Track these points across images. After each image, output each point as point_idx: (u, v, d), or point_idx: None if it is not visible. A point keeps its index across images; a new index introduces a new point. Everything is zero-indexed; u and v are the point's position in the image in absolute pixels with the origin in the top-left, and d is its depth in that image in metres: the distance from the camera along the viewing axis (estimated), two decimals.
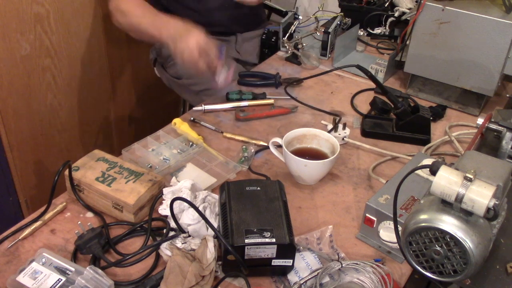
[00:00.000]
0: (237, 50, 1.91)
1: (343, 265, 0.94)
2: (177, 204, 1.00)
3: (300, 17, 1.82)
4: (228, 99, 1.48)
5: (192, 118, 1.39)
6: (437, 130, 1.43)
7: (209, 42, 1.30)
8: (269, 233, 0.90)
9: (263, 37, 1.82)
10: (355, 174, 1.24)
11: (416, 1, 1.86)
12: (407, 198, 1.02)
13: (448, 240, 0.79)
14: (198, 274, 0.89)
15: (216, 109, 1.44)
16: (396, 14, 1.89)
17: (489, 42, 1.38)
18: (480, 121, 1.19)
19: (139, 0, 1.52)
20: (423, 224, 0.80)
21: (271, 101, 1.47)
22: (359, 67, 1.32)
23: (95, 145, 2.15)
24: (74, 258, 0.96)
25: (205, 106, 1.42)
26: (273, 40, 1.80)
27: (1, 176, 1.79)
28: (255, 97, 1.49)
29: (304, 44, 1.76)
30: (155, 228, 1.03)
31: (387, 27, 1.92)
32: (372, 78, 1.33)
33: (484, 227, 0.80)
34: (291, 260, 0.93)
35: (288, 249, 0.91)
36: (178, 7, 1.71)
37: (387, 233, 1.00)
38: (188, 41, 1.27)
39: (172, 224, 0.99)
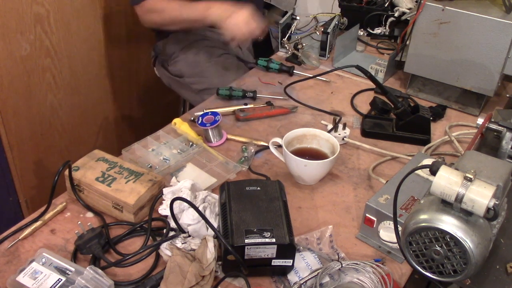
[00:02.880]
0: (240, 46, 1.91)
1: (343, 265, 0.94)
2: (177, 204, 1.00)
3: (298, 18, 1.82)
4: (218, 94, 1.50)
5: (192, 118, 1.39)
6: (437, 130, 1.43)
7: (256, 16, 1.55)
8: (269, 233, 0.90)
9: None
10: (355, 174, 1.24)
11: (416, 1, 1.86)
12: (407, 198, 1.02)
13: (448, 240, 0.79)
14: (198, 274, 0.89)
15: (245, 108, 1.43)
16: (396, 14, 1.89)
17: (489, 42, 1.38)
18: (480, 121, 1.19)
19: None
20: (423, 224, 0.80)
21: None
22: (358, 67, 1.32)
23: (95, 145, 2.16)
24: (74, 258, 0.96)
25: (206, 110, 1.40)
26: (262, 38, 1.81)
27: (1, 176, 1.79)
28: (245, 94, 1.49)
29: (303, 44, 1.76)
30: (155, 228, 1.03)
31: (387, 27, 1.92)
32: (372, 78, 1.33)
33: (484, 227, 0.80)
34: (291, 260, 0.93)
35: (288, 249, 0.91)
36: None
37: (387, 233, 1.00)
38: (239, 18, 1.52)
39: (172, 224, 0.99)
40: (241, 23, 1.52)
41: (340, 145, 1.19)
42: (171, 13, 1.65)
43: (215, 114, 1.31)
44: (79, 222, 1.00)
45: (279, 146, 1.21)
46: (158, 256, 0.97)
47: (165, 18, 1.68)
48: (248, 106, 1.43)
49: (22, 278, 0.88)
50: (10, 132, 1.76)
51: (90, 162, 1.10)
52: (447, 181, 0.78)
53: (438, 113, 1.49)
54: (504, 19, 1.34)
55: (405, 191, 1.03)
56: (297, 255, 0.96)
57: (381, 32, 1.93)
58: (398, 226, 0.88)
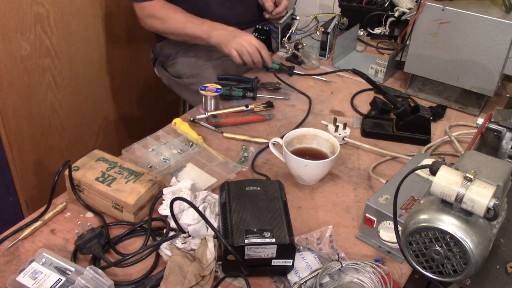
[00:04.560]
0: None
1: (343, 265, 0.94)
2: (177, 204, 1.00)
3: (298, 18, 1.82)
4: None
5: (192, 118, 1.39)
6: (437, 130, 1.43)
7: (260, 43, 1.57)
8: (269, 233, 0.90)
9: (255, 35, 1.82)
10: (355, 174, 1.24)
11: (416, 1, 1.86)
12: (407, 198, 1.02)
13: (448, 240, 0.79)
14: (198, 274, 0.89)
15: (219, 113, 1.42)
16: (396, 14, 1.90)
17: (489, 42, 1.38)
18: (480, 121, 1.19)
19: (173, 6, 1.66)
20: (423, 224, 0.80)
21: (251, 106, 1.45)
22: (354, 70, 1.32)
23: (95, 145, 2.16)
24: (74, 258, 0.96)
25: (208, 113, 1.40)
26: (263, 37, 1.80)
27: (1, 176, 1.79)
28: (245, 94, 1.49)
29: (304, 44, 1.76)
30: (155, 228, 1.03)
31: (387, 27, 1.92)
32: (369, 80, 1.33)
33: (484, 227, 0.80)
34: (291, 260, 0.93)
35: (288, 249, 0.91)
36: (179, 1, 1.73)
37: (387, 233, 1.00)
38: (243, 39, 1.55)
39: (172, 224, 0.99)
40: (244, 42, 1.53)
41: (340, 145, 1.19)
42: (175, 25, 1.65)
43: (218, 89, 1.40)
44: (79, 222, 1.00)
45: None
46: (158, 256, 0.97)
47: (167, 28, 1.67)
48: (249, 107, 1.43)
49: (22, 278, 0.88)
50: (10, 132, 1.76)
51: (90, 162, 1.10)
52: (447, 181, 0.78)
53: (438, 113, 1.49)
54: (504, 19, 1.34)
55: (405, 191, 1.03)
56: (297, 255, 0.96)
57: (381, 32, 1.93)
58: (398, 226, 0.88)
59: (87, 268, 0.87)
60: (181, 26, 1.64)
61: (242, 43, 1.54)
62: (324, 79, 1.64)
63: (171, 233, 0.98)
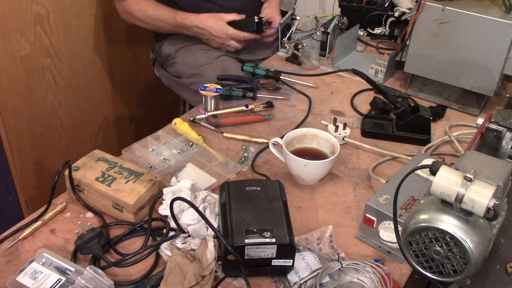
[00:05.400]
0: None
1: (343, 265, 0.94)
2: (177, 204, 1.00)
3: (298, 18, 1.82)
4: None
5: (192, 118, 1.39)
6: (437, 130, 1.43)
7: (234, 31, 1.70)
8: (269, 233, 0.90)
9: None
10: (355, 174, 1.24)
11: (416, 1, 1.86)
12: (407, 198, 1.02)
13: (448, 240, 0.79)
14: (198, 274, 0.89)
15: (219, 113, 1.41)
16: (396, 14, 1.90)
17: (489, 42, 1.38)
18: (480, 121, 1.19)
19: (148, 2, 1.76)
20: (423, 224, 0.80)
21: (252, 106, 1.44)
22: (354, 70, 1.32)
23: (95, 145, 2.16)
24: (74, 258, 0.96)
25: (208, 113, 1.40)
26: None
27: (1, 176, 1.79)
28: (244, 94, 1.49)
29: (304, 44, 1.76)
30: (155, 228, 1.04)
31: (387, 27, 1.92)
32: (369, 80, 1.33)
33: (484, 227, 0.80)
34: (291, 260, 0.93)
35: (288, 249, 0.91)
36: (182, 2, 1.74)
37: (387, 233, 1.00)
38: (220, 38, 1.72)
39: (172, 224, 0.99)
40: (224, 41, 1.70)
41: (340, 145, 1.19)
42: (151, 26, 1.78)
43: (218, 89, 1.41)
44: (79, 222, 1.00)
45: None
46: (158, 256, 0.97)
47: (145, 26, 1.79)
48: (249, 107, 1.43)
49: (22, 278, 0.88)
50: (10, 132, 1.76)
51: (90, 162, 1.10)
52: (447, 181, 0.78)
53: (438, 113, 1.49)
54: (504, 19, 1.34)
55: (405, 191, 1.03)
56: (297, 255, 0.96)
57: (381, 32, 1.93)
58: (398, 226, 0.88)
59: (87, 268, 0.87)
60: (155, 27, 1.79)
61: (224, 43, 1.73)
62: (311, 84, 1.60)
63: (171, 233, 0.98)
